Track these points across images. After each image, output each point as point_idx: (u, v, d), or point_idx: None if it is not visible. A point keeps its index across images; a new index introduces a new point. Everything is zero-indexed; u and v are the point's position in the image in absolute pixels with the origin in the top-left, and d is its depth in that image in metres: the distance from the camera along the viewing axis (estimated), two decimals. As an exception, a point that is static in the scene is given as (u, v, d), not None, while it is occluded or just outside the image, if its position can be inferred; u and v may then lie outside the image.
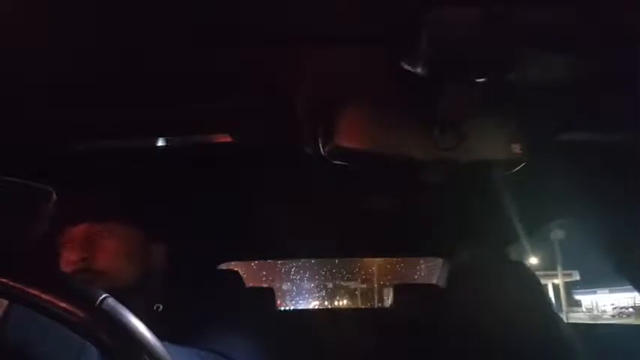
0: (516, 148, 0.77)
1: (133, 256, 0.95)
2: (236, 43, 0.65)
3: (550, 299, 1.50)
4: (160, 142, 0.92)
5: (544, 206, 1.52)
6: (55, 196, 1.26)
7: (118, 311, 0.42)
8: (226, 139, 0.89)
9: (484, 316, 1.36)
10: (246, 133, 0.85)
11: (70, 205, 0.97)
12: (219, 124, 0.84)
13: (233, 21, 0.61)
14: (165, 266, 1.01)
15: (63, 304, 0.40)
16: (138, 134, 0.89)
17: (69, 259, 0.90)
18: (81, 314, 0.40)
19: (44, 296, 0.40)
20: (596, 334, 1.56)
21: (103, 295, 0.42)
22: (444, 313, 1.54)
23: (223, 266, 2.17)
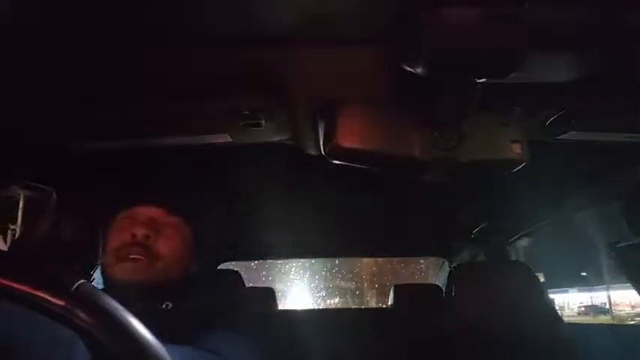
0: (516, 148, 0.77)
1: (184, 255, 0.95)
2: (236, 43, 0.65)
3: (550, 299, 1.50)
4: (160, 142, 0.93)
5: (544, 205, 1.52)
6: (55, 195, 1.27)
7: (95, 294, 0.41)
8: (226, 139, 0.89)
9: (484, 315, 1.36)
10: (246, 133, 0.85)
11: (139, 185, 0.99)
12: (219, 124, 0.84)
13: (233, 21, 0.61)
14: (198, 273, 1.02)
15: (36, 293, 0.39)
16: (138, 134, 0.89)
17: (129, 233, 0.90)
18: (55, 301, 0.39)
19: (19, 286, 0.39)
20: (596, 334, 1.56)
21: (80, 281, 0.41)
22: (443, 313, 1.54)
23: (223, 266, 2.17)
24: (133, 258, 0.87)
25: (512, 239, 2.01)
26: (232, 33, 0.64)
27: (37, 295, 0.39)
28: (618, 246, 1.28)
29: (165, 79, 0.74)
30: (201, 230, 1.01)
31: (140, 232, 0.89)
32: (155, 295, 0.88)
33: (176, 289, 0.92)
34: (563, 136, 0.90)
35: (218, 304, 0.96)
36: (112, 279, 0.89)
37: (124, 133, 0.89)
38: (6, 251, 0.43)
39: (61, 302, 0.39)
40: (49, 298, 0.39)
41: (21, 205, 1.09)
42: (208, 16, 0.60)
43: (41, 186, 1.22)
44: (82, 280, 0.41)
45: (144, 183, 1.07)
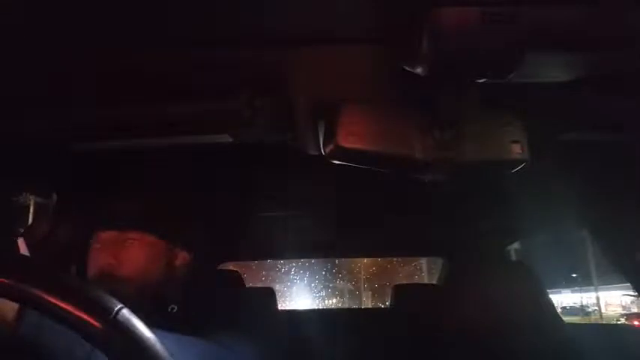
0: (516, 148, 0.77)
1: (158, 262, 0.96)
2: (236, 43, 0.65)
3: (550, 299, 1.50)
4: (160, 142, 0.92)
5: (544, 205, 1.52)
6: (55, 196, 1.27)
7: (132, 323, 0.42)
8: (226, 139, 0.89)
9: (484, 316, 1.36)
10: (246, 133, 0.85)
11: (97, 209, 0.99)
12: (219, 124, 0.84)
13: (233, 21, 0.61)
14: (187, 271, 1.02)
15: (78, 314, 0.40)
16: (138, 134, 0.89)
17: (96, 264, 0.91)
18: (96, 325, 0.40)
19: (60, 304, 0.40)
20: (596, 334, 1.56)
21: (118, 306, 0.42)
22: (444, 313, 1.54)
23: (223, 266, 2.17)
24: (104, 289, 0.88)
25: (513, 239, 2.01)
26: (232, 33, 0.64)
27: (77, 316, 0.40)
28: (618, 247, 1.28)
29: (165, 79, 0.74)
30: (165, 224, 1.00)
31: (100, 262, 0.91)
32: (150, 305, 0.88)
33: (175, 293, 0.93)
34: (563, 136, 0.90)
35: (219, 304, 0.96)
36: None
37: (124, 134, 0.89)
38: (50, 266, 0.43)
39: (98, 326, 0.40)
40: (88, 320, 0.40)
41: (31, 210, 1.10)
42: (208, 16, 0.60)
43: (41, 186, 1.22)
44: (120, 305, 0.43)
45: (143, 183, 1.07)
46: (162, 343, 0.44)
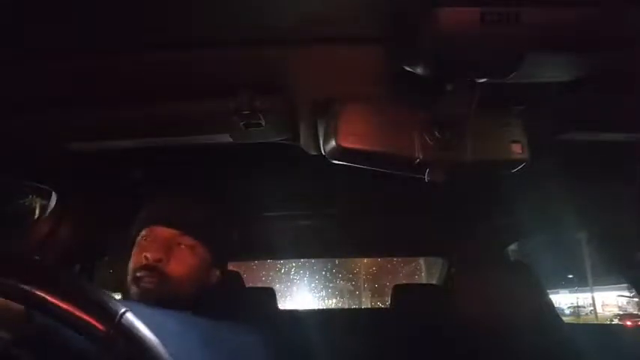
0: (516, 148, 0.77)
1: (198, 275, 0.96)
2: (236, 43, 0.66)
3: (550, 299, 1.50)
4: (160, 142, 0.93)
5: (544, 205, 1.52)
6: (55, 196, 1.27)
7: (136, 327, 0.43)
8: (226, 139, 0.89)
9: (484, 315, 1.36)
10: (246, 133, 0.85)
11: (153, 206, 0.99)
12: (219, 124, 0.84)
13: (233, 21, 0.61)
14: (216, 289, 1.02)
15: (83, 317, 0.41)
16: (138, 134, 0.89)
17: (144, 255, 0.91)
18: (100, 328, 0.41)
19: (65, 307, 0.41)
20: (596, 334, 1.56)
21: (123, 310, 0.43)
22: (443, 313, 1.54)
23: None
24: (144, 281, 0.88)
25: (513, 239, 2.01)
26: (232, 33, 0.64)
27: (82, 319, 0.41)
28: (618, 247, 1.28)
29: (165, 80, 0.74)
30: (216, 240, 1.00)
31: (153, 255, 0.90)
32: (171, 308, 0.89)
33: (194, 300, 0.93)
34: (563, 136, 0.90)
35: (219, 304, 0.96)
36: (129, 297, 0.91)
37: (124, 134, 0.90)
38: (55, 268, 0.44)
39: (102, 329, 0.41)
40: (93, 323, 0.41)
41: (37, 212, 1.10)
42: (208, 16, 0.60)
43: (41, 186, 1.22)
44: (124, 309, 0.43)
45: (143, 183, 1.08)
46: (165, 322, 0.45)
